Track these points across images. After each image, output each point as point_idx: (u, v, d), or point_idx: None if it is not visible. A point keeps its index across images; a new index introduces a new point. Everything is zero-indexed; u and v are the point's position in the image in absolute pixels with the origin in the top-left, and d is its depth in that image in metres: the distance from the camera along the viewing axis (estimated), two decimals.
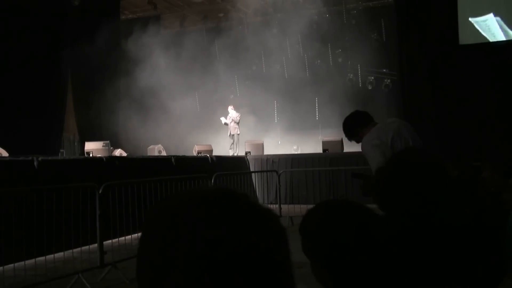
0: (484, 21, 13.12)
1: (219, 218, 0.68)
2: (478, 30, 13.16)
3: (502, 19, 13.02)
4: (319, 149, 13.97)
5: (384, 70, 17.24)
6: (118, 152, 12.63)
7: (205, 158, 11.70)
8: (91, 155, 11.27)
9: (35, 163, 6.96)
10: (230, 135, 15.57)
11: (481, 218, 1.56)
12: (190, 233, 0.67)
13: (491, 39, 13.13)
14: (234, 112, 15.67)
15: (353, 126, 3.61)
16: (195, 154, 13.00)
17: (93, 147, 11.90)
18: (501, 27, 13.04)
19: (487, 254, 1.52)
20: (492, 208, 1.69)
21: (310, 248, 1.23)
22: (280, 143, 17.48)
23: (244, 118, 16.20)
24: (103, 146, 11.99)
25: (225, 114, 15.84)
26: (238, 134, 15.50)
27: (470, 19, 13.17)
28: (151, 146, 14.36)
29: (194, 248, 0.66)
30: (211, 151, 13.52)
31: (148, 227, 0.72)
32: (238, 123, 15.55)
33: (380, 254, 1.19)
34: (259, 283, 0.67)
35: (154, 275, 0.68)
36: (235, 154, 14.73)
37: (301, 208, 9.50)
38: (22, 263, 5.48)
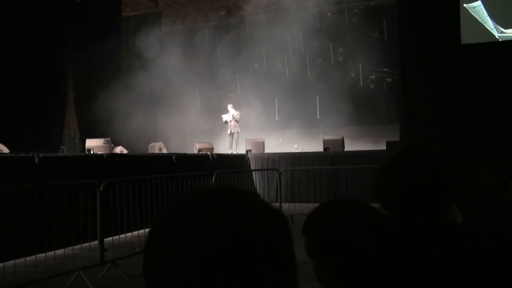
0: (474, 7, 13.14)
1: (228, 217, 0.68)
2: (480, 29, 13.12)
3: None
4: (320, 148, 13.97)
5: (386, 69, 17.22)
6: (118, 149, 12.62)
7: (206, 156, 11.70)
8: (91, 152, 11.27)
9: (36, 160, 6.97)
10: (230, 133, 15.54)
11: (485, 216, 1.55)
12: (199, 231, 0.67)
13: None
14: (234, 110, 15.66)
15: None
16: (196, 152, 12.99)
17: (93, 144, 11.90)
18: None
19: (490, 252, 1.51)
20: (495, 207, 1.69)
21: (314, 249, 1.22)
22: (281, 142, 17.48)
23: (245, 116, 16.19)
24: (103, 143, 11.99)
25: (226, 113, 15.82)
26: (238, 132, 15.49)
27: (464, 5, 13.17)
28: (152, 144, 14.35)
29: (202, 246, 0.66)
30: (212, 149, 13.52)
31: (157, 226, 0.72)
32: (237, 121, 15.55)
33: (387, 253, 1.18)
34: (264, 281, 0.67)
35: (162, 273, 0.68)
36: (235, 152, 14.71)
37: (302, 207, 9.51)
38: (22, 259, 5.49)
